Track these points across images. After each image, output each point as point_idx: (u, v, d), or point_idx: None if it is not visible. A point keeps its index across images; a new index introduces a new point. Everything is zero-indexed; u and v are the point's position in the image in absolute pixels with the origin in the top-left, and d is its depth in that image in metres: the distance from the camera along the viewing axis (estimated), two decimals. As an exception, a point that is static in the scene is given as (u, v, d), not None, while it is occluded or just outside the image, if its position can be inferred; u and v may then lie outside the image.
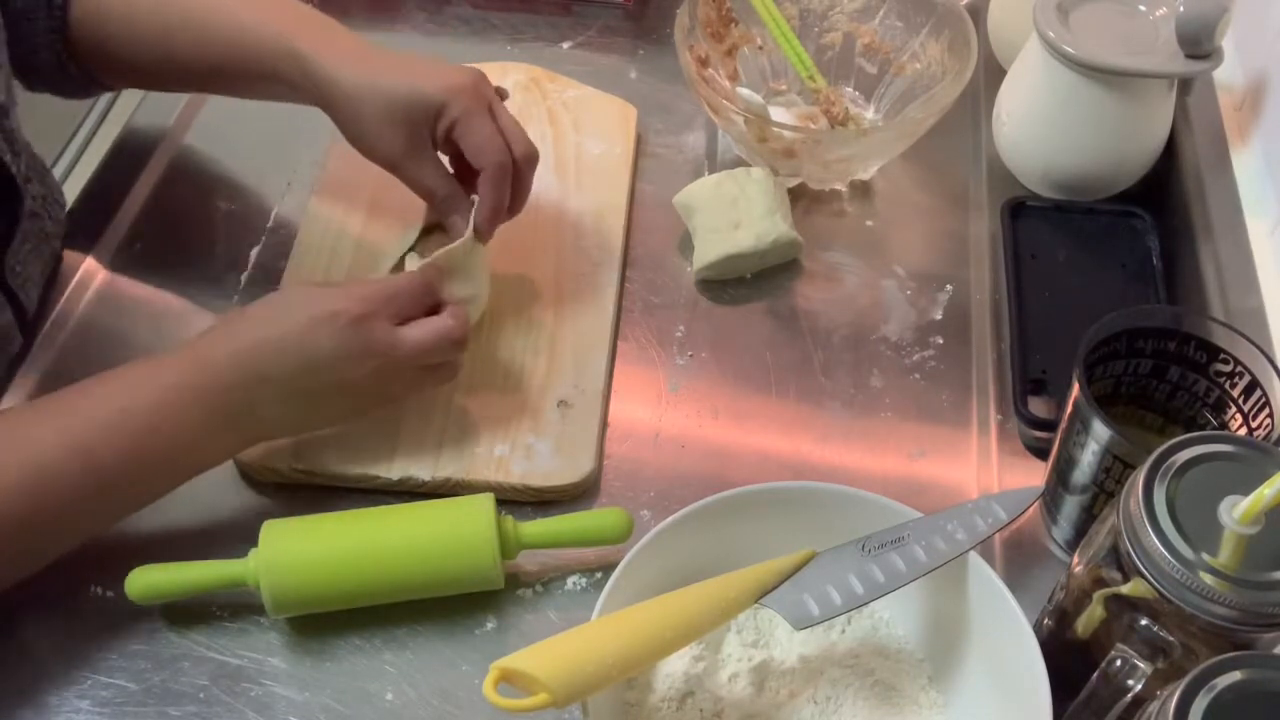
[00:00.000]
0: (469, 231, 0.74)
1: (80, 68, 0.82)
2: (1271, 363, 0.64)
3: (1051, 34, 0.83)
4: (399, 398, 0.74)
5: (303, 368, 0.67)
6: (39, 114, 0.83)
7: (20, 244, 0.77)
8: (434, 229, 0.79)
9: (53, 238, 0.83)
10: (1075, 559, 0.60)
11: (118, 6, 0.80)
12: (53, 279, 0.85)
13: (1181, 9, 0.80)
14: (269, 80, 0.77)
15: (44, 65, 0.80)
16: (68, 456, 0.63)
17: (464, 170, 0.77)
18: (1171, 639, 0.54)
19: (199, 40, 0.78)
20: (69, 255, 0.86)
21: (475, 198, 0.76)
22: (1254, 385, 0.65)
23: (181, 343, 0.68)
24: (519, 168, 0.75)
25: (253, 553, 0.67)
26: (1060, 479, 0.69)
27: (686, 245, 0.88)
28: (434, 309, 0.71)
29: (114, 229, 0.89)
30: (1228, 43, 0.84)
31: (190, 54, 0.79)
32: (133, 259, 0.87)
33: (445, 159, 0.78)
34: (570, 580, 0.71)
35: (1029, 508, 0.66)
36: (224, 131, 0.95)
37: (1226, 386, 0.67)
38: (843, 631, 0.67)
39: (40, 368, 0.80)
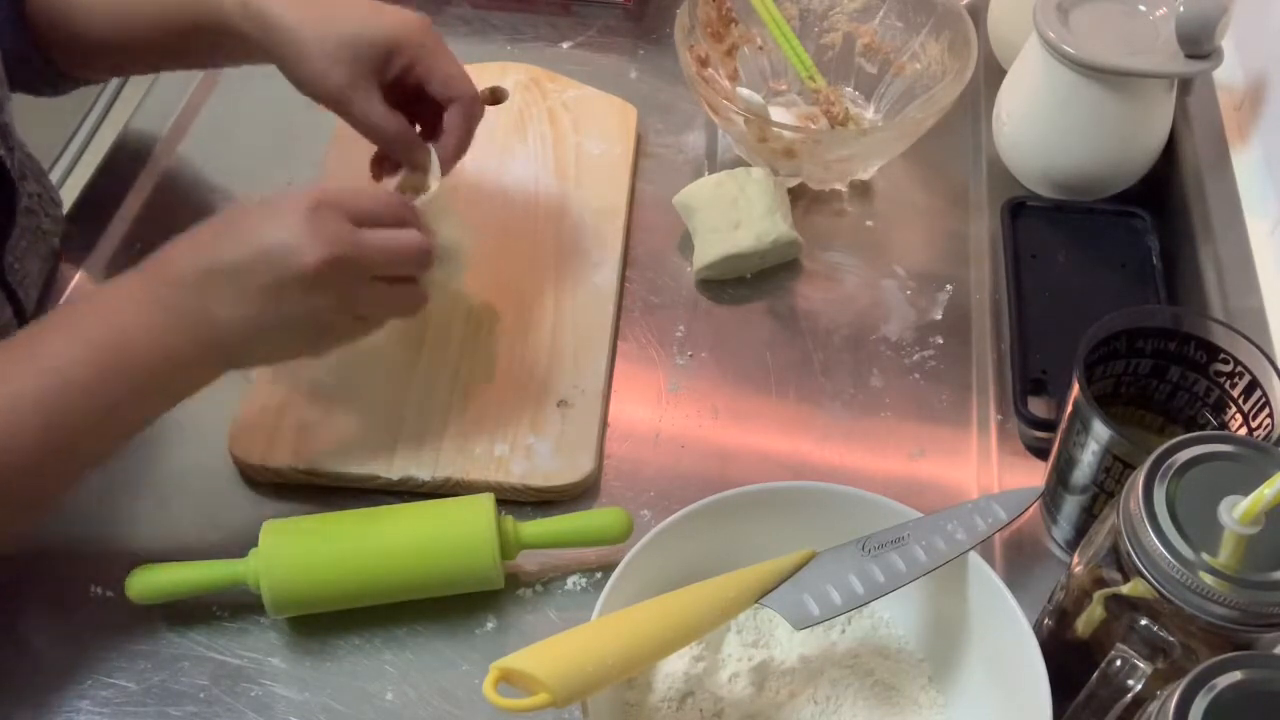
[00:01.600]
0: (435, 173, 0.73)
1: (44, 58, 0.81)
2: (1271, 363, 0.64)
3: (1051, 34, 0.83)
4: (366, 321, 0.69)
5: (258, 257, 0.63)
6: (37, 116, 0.83)
7: (17, 240, 0.77)
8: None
9: (50, 235, 0.83)
10: (1075, 559, 0.60)
11: None
12: (52, 279, 0.85)
13: (1181, 9, 0.80)
14: (223, 38, 0.75)
15: (7, 57, 0.79)
16: (40, 385, 0.61)
17: (414, 118, 0.76)
18: (1171, 639, 0.54)
19: (156, 5, 0.77)
20: (69, 256, 0.86)
21: (432, 145, 0.75)
22: (1254, 385, 0.65)
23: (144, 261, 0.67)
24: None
25: (253, 553, 0.67)
26: (1060, 479, 0.69)
27: (686, 245, 0.88)
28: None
29: (113, 230, 0.89)
30: (1228, 43, 0.84)
31: (149, 21, 0.78)
32: (132, 260, 0.86)
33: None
34: (570, 580, 0.71)
35: (1029, 508, 0.66)
36: (224, 132, 0.95)
37: (1226, 386, 0.67)
38: (843, 631, 0.67)
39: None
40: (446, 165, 0.74)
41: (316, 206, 0.64)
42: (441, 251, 0.72)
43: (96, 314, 0.64)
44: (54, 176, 0.86)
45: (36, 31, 0.80)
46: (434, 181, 0.74)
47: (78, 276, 0.85)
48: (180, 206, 0.91)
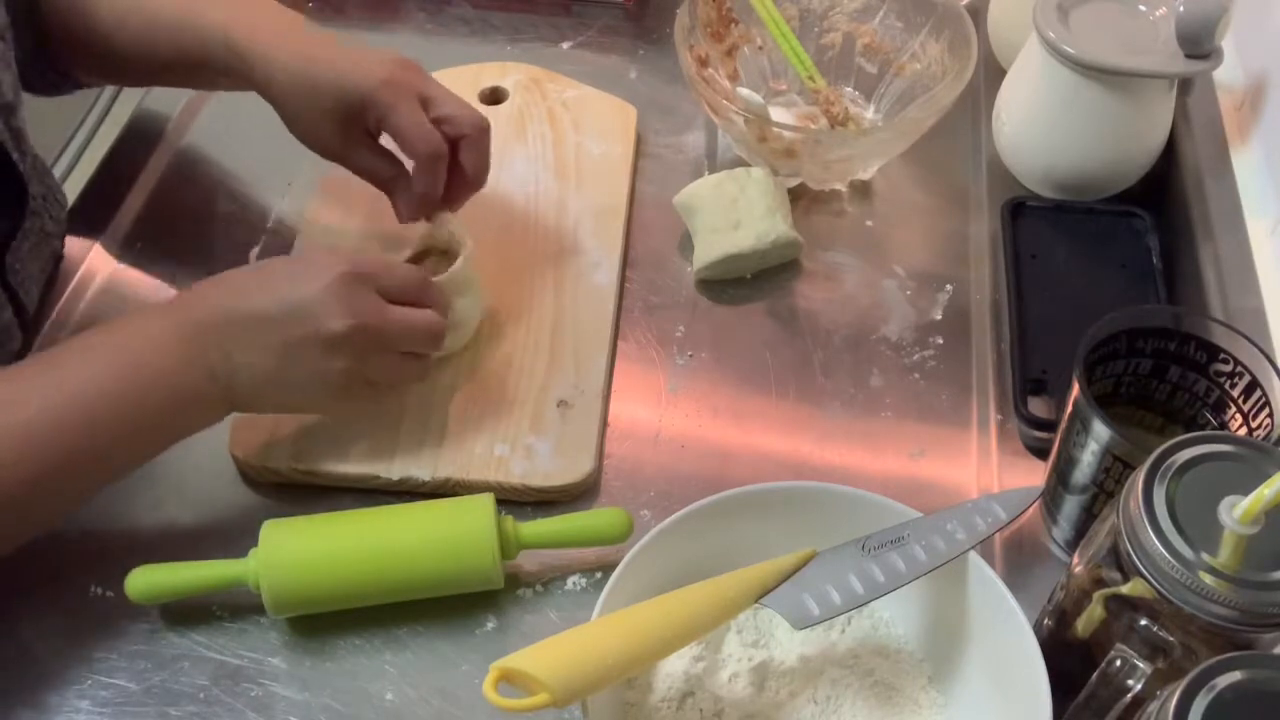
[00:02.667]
0: (466, 250, 0.76)
1: (51, 61, 0.82)
2: (1271, 363, 0.64)
3: (1051, 34, 0.83)
4: (375, 386, 0.71)
5: (283, 314, 0.66)
6: (38, 114, 0.83)
7: (21, 241, 0.77)
8: (429, 252, 0.80)
9: (53, 237, 0.83)
10: (1075, 559, 0.60)
11: (83, 6, 0.80)
12: (53, 278, 0.85)
13: (1181, 9, 0.80)
14: (212, 71, 0.78)
15: (19, 62, 0.80)
16: (55, 408, 0.62)
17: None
18: (1171, 639, 0.54)
19: (146, 30, 0.79)
20: (70, 255, 0.87)
21: (447, 214, 0.78)
22: (1254, 385, 0.65)
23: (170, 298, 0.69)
24: (467, 142, 0.75)
25: (253, 553, 0.67)
26: (1060, 479, 0.69)
27: (686, 245, 0.88)
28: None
29: (114, 229, 0.89)
30: (1228, 43, 0.84)
31: (138, 46, 0.80)
32: (133, 259, 0.87)
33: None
34: (570, 580, 0.71)
35: (1029, 508, 0.66)
36: (224, 131, 0.95)
37: (1226, 386, 0.67)
38: (843, 631, 0.67)
39: (40, 368, 0.80)
40: (408, 213, 0.77)
41: (351, 276, 0.67)
42: (451, 321, 0.74)
43: (117, 345, 0.65)
44: (56, 173, 0.86)
45: (49, 36, 0.81)
46: (465, 249, 0.76)
47: (78, 276, 0.85)
48: (182, 205, 0.91)
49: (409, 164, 0.78)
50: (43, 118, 0.84)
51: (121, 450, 0.66)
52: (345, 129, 0.76)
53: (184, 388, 0.66)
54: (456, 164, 0.76)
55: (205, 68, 0.78)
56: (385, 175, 0.78)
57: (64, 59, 0.83)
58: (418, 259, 0.79)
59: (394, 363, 0.71)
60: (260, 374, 0.67)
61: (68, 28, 0.81)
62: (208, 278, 0.69)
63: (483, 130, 0.76)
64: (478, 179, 0.78)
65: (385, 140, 0.77)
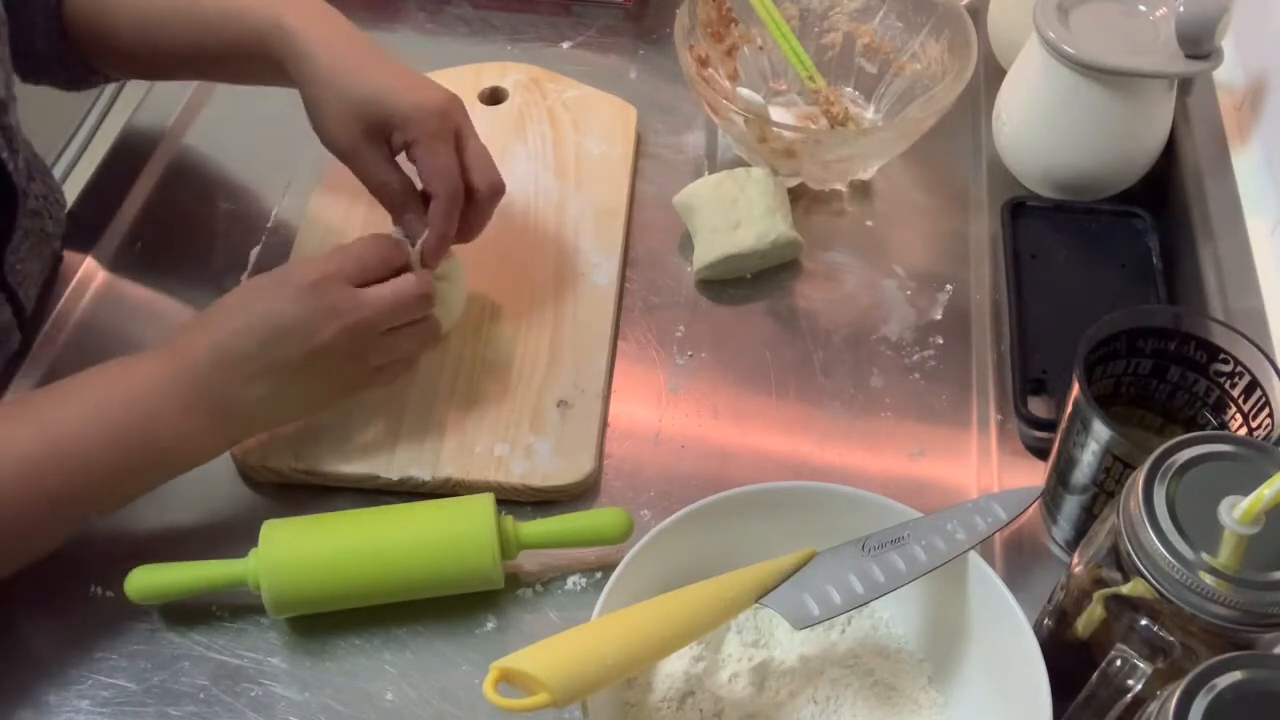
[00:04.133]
0: (415, 257, 0.74)
1: (76, 56, 0.82)
2: (1271, 363, 0.64)
3: (1051, 34, 0.83)
4: (382, 370, 0.72)
5: (271, 340, 0.66)
6: (39, 113, 0.83)
7: (20, 242, 0.77)
8: None
9: (53, 238, 0.83)
10: (1075, 559, 0.60)
11: (115, 4, 0.80)
12: (52, 278, 0.85)
13: (1181, 9, 0.80)
14: (256, 59, 0.76)
15: (40, 53, 0.80)
16: (48, 454, 0.63)
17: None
18: (1171, 639, 0.54)
19: (192, 19, 0.78)
20: (69, 255, 0.86)
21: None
22: (1254, 385, 0.65)
23: (160, 340, 0.69)
24: (478, 198, 0.75)
25: (253, 553, 0.67)
26: (1060, 479, 0.69)
27: (686, 245, 0.88)
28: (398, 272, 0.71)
29: (114, 229, 0.89)
30: (1228, 43, 0.84)
31: (184, 34, 0.79)
32: (133, 259, 0.87)
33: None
34: (570, 580, 0.71)
35: (1029, 508, 0.66)
36: (224, 131, 0.95)
37: (1226, 386, 0.67)
38: (843, 631, 0.67)
39: (40, 367, 0.80)
40: (431, 257, 0.74)
41: (318, 282, 0.67)
42: (437, 273, 0.74)
43: (115, 395, 0.66)
44: (56, 173, 0.86)
45: (72, 31, 0.80)
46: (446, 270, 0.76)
47: (77, 276, 0.85)
48: (182, 205, 0.91)
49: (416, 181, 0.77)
50: (43, 118, 0.84)
51: (124, 494, 0.67)
52: (372, 139, 0.74)
53: (191, 435, 0.67)
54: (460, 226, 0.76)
55: (249, 61, 0.77)
56: (395, 192, 0.76)
57: (92, 54, 0.82)
58: None
59: (396, 340, 0.71)
60: (262, 403, 0.68)
61: (98, 23, 0.80)
62: (190, 323, 0.69)
63: (497, 193, 0.76)
64: (473, 232, 0.77)
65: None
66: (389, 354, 0.71)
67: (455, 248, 0.76)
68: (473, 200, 0.75)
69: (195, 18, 0.78)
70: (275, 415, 0.71)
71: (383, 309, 0.69)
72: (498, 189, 0.76)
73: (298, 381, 0.68)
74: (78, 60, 0.82)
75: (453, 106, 0.74)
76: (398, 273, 0.71)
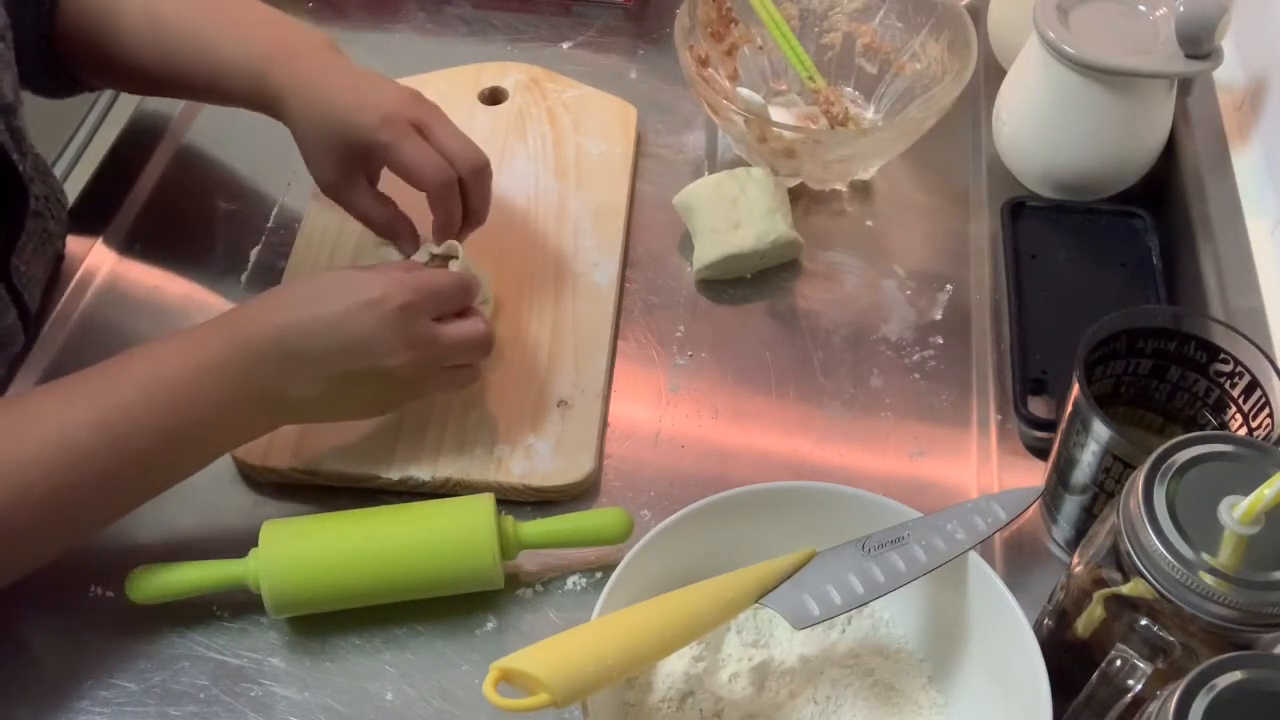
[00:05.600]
0: (427, 249, 0.76)
1: (63, 67, 0.82)
2: (1271, 363, 0.64)
3: (1051, 34, 0.83)
4: (425, 394, 0.73)
5: (342, 349, 0.66)
6: (39, 114, 0.83)
7: (25, 243, 0.77)
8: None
9: (55, 238, 0.83)
10: (1075, 559, 0.60)
11: (106, 12, 0.80)
12: (54, 278, 0.85)
13: (1181, 9, 0.80)
14: (240, 100, 0.79)
15: (28, 62, 0.80)
16: (98, 432, 0.62)
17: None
18: (1171, 639, 0.54)
19: (179, 55, 0.79)
20: (70, 254, 0.86)
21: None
22: (1254, 385, 0.65)
23: (218, 316, 0.68)
24: (466, 180, 0.75)
25: (253, 553, 0.67)
26: (1060, 479, 0.69)
27: (686, 245, 0.88)
28: (462, 312, 0.72)
29: (114, 229, 0.89)
30: (1228, 43, 0.84)
31: (168, 67, 0.80)
32: (133, 258, 0.87)
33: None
34: (570, 580, 0.71)
35: (1029, 508, 0.66)
36: (224, 131, 0.95)
37: (1226, 386, 0.67)
38: (843, 631, 0.67)
39: (41, 366, 0.80)
40: (440, 236, 0.76)
41: (406, 308, 0.67)
42: (480, 299, 0.75)
43: (166, 375, 0.65)
44: (56, 173, 0.86)
45: (64, 41, 0.81)
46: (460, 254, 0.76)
47: (78, 276, 0.85)
48: (182, 205, 0.91)
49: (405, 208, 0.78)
50: (43, 118, 0.84)
51: (164, 465, 0.66)
52: (348, 170, 0.76)
53: (239, 422, 0.67)
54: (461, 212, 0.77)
55: (237, 99, 0.79)
56: (382, 220, 0.78)
57: (77, 65, 0.83)
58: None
59: (447, 377, 0.72)
60: (315, 402, 0.68)
61: (88, 37, 0.80)
62: (257, 298, 0.68)
63: (482, 168, 0.76)
64: (479, 214, 0.78)
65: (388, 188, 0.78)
66: (438, 387, 0.73)
67: (481, 271, 0.78)
68: (465, 185, 0.75)
69: (185, 54, 0.79)
70: (323, 415, 0.70)
71: (454, 348, 0.70)
72: (480, 166, 0.75)
73: (352, 392, 0.68)
74: (65, 70, 0.82)
75: (408, 103, 0.75)
76: (460, 313, 0.72)
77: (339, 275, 0.69)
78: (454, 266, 0.75)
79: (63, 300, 0.84)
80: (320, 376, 0.66)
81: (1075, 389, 0.65)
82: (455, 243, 0.76)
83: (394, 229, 0.79)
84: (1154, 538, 0.53)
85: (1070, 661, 0.59)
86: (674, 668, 0.65)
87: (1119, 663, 0.55)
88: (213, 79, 0.78)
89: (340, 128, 0.74)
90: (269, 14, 0.80)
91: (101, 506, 0.65)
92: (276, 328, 0.66)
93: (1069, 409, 0.66)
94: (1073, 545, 0.70)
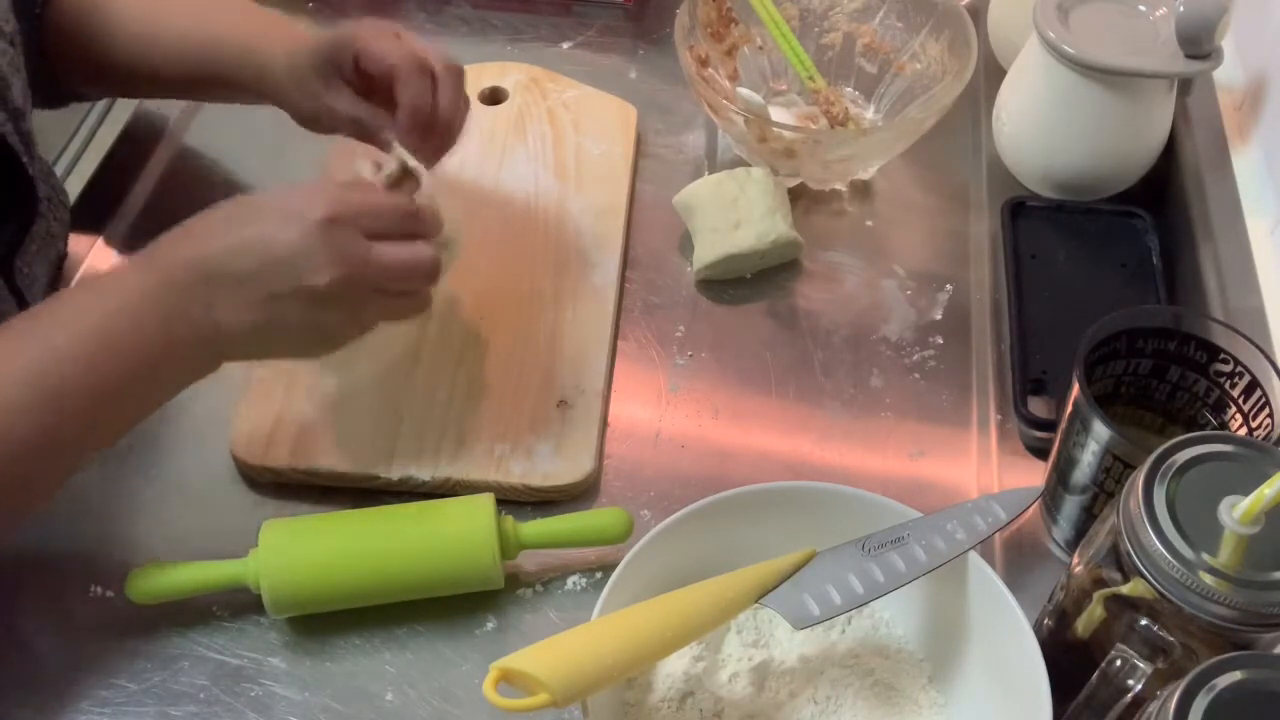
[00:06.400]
0: (397, 153, 0.70)
1: (54, 74, 0.82)
2: (1271, 363, 0.64)
3: (1051, 34, 0.83)
4: (367, 323, 0.68)
5: (265, 267, 0.62)
6: (39, 114, 0.83)
7: (29, 245, 0.77)
8: (401, 182, 0.73)
9: (58, 239, 0.83)
10: (1075, 559, 0.60)
11: (98, 18, 0.81)
12: (56, 280, 0.85)
13: (1181, 9, 0.80)
14: (232, 87, 0.80)
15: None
16: (31, 368, 0.60)
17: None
18: (1171, 639, 0.54)
19: (175, 50, 0.80)
20: (70, 254, 0.86)
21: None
22: (1254, 385, 0.65)
23: (141, 252, 0.65)
24: (437, 72, 0.72)
25: (253, 553, 0.67)
26: (1060, 479, 0.69)
27: (686, 245, 0.88)
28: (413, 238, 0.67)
29: (114, 229, 0.89)
30: (1228, 43, 0.84)
31: (165, 63, 0.81)
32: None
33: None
34: (570, 580, 0.71)
35: (1029, 508, 0.66)
36: (224, 131, 0.95)
37: (1226, 386, 0.67)
38: (843, 631, 0.67)
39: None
40: (407, 134, 0.72)
41: (331, 220, 0.63)
42: (441, 237, 0.70)
43: (97, 306, 0.63)
44: (56, 171, 0.87)
45: (54, 50, 0.81)
46: (421, 175, 0.71)
47: (78, 276, 0.85)
48: (181, 205, 0.90)
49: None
50: (43, 118, 0.84)
51: (111, 413, 0.63)
52: (326, 78, 0.74)
53: (171, 349, 0.63)
54: (432, 112, 0.73)
55: (229, 86, 0.80)
56: (362, 115, 0.75)
57: (76, 74, 0.83)
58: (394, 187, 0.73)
59: (389, 305, 0.67)
60: (246, 328, 0.64)
61: (78, 45, 0.81)
62: (177, 229, 0.65)
63: (455, 67, 0.74)
64: (450, 124, 0.74)
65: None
66: (379, 315, 0.68)
67: (450, 217, 0.72)
68: (436, 80, 0.73)
69: (182, 48, 0.80)
70: (260, 347, 0.66)
71: (390, 271, 0.65)
72: (454, 65, 0.74)
73: (283, 318, 0.64)
74: (55, 79, 0.82)
75: (379, 21, 0.75)
76: (408, 238, 0.67)
77: (262, 194, 0.66)
78: (419, 195, 0.70)
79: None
80: (248, 300, 0.63)
81: (1075, 389, 0.65)
82: (420, 167, 0.71)
83: (378, 121, 0.74)
84: (1154, 538, 0.53)
85: (1070, 661, 0.59)
86: (674, 668, 0.65)
87: (1119, 663, 0.55)
88: (199, 63, 0.79)
89: (316, 41, 0.75)
90: (261, 10, 0.82)
91: (46, 468, 0.62)
92: (197, 253, 0.63)
93: (1069, 409, 0.66)
94: (1073, 545, 0.70)
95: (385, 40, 0.73)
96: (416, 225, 0.67)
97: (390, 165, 0.70)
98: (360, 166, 0.73)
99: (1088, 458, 0.65)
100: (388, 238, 0.65)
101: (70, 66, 0.83)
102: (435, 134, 0.73)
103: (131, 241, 0.88)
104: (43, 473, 0.62)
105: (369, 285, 0.65)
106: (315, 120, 0.78)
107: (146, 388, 0.64)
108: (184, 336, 0.63)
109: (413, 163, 0.70)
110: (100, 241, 0.88)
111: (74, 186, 0.92)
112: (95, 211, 0.89)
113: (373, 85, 0.74)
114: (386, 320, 0.68)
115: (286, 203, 0.64)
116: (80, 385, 0.61)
